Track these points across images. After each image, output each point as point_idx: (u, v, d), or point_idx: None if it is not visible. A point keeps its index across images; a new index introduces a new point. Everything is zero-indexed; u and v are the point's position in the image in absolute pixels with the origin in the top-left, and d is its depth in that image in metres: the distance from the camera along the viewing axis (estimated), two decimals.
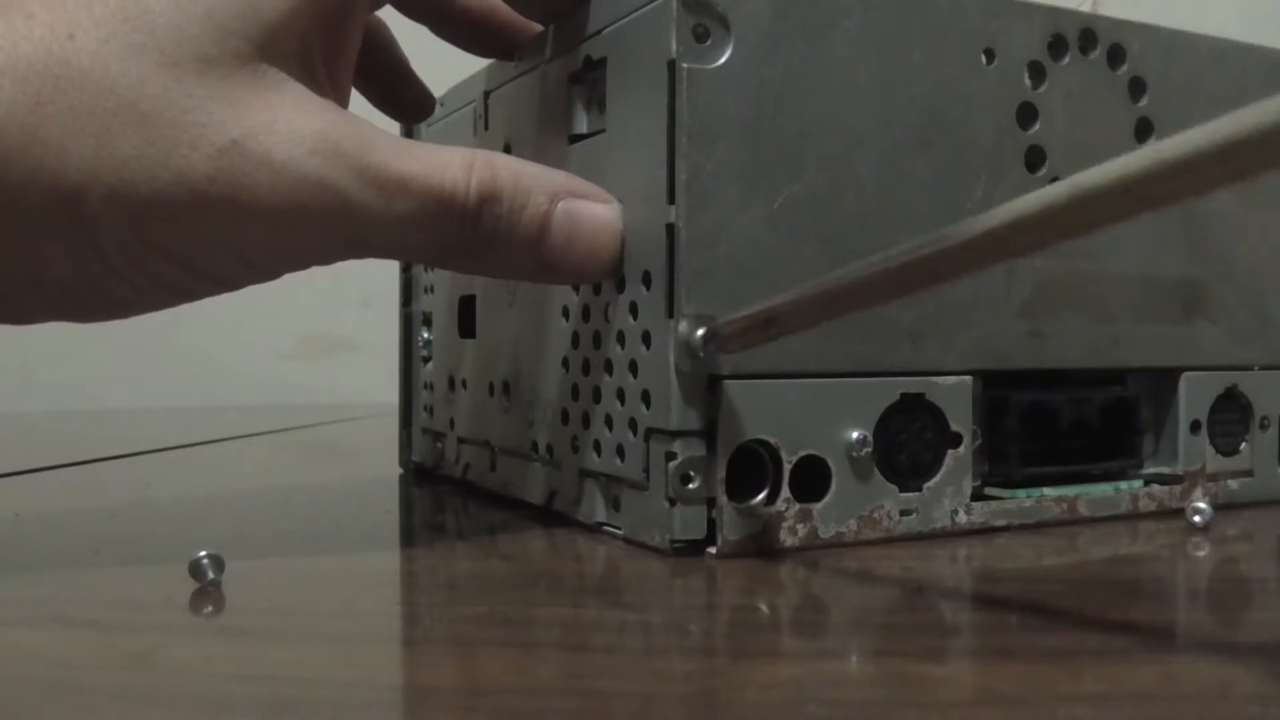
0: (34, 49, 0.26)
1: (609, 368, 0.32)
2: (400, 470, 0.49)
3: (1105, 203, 0.19)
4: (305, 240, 0.29)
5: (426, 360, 0.47)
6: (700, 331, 0.29)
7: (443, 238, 0.30)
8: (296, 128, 0.27)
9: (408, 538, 0.36)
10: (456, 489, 0.43)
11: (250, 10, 0.27)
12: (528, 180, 0.30)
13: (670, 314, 0.29)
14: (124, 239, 0.27)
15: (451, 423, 0.44)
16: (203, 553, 0.27)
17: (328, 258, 0.29)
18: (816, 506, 0.31)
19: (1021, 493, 0.34)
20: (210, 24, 0.27)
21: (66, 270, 0.27)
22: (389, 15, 0.36)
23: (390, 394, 0.50)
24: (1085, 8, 0.36)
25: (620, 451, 0.31)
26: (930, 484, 0.32)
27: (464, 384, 0.42)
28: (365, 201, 0.28)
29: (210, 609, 0.25)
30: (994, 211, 0.20)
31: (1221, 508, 0.36)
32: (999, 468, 0.34)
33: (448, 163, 0.29)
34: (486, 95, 0.40)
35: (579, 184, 0.31)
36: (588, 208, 0.31)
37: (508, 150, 0.38)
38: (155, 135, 0.26)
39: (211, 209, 0.27)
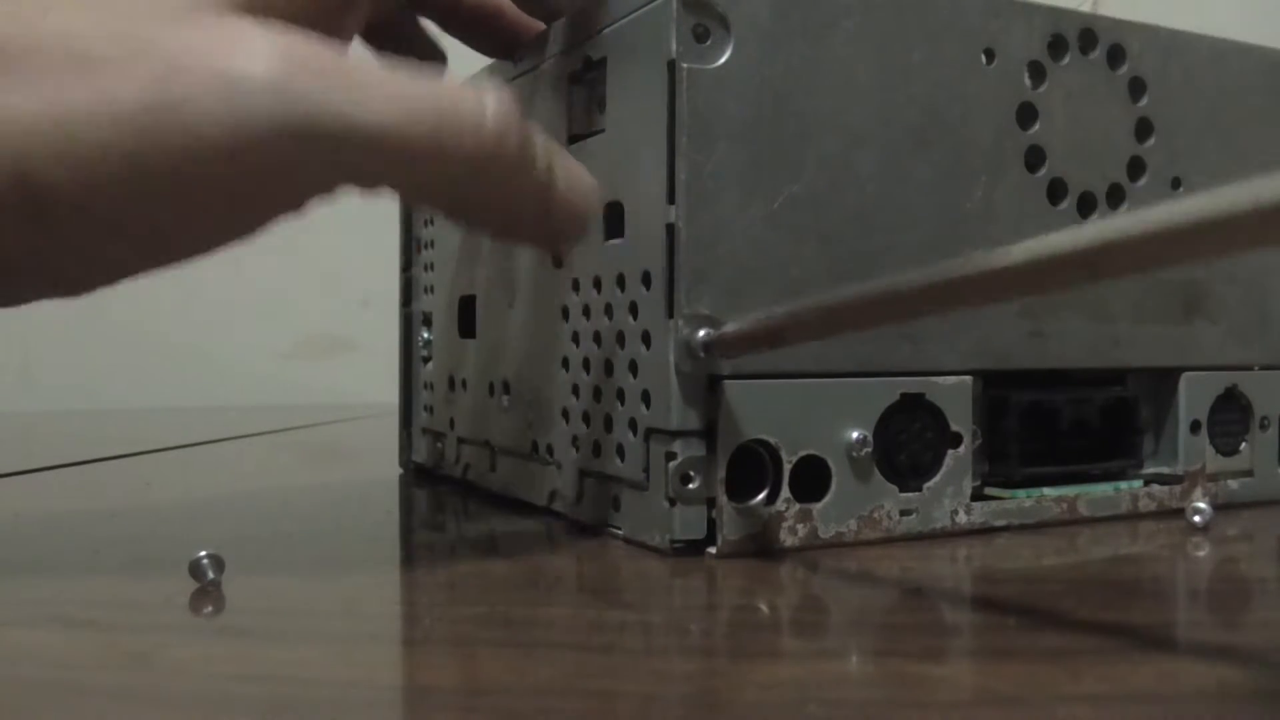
0: (11, 19, 0.25)
1: (609, 368, 0.32)
2: (400, 470, 0.49)
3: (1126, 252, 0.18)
4: (265, 179, 0.25)
5: (427, 360, 0.47)
6: (701, 334, 0.29)
7: (444, 160, 0.26)
8: (256, 41, 0.24)
9: (408, 538, 0.36)
10: (457, 489, 0.43)
11: None
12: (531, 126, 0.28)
13: (670, 314, 0.29)
14: (71, 200, 0.25)
15: (452, 423, 0.44)
16: (203, 553, 0.27)
17: (295, 198, 0.26)
18: (816, 506, 0.31)
19: (1021, 493, 0.34)
20: None
21: (22, 244, 0.26)
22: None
23: (390, 394, 0.50)
24: (1085, 7, 0.36)
25: (620, 451, 0.31)
26: (930, 484, 0.32)
27: (464, 384, 0.42)
28: (339, 108, 0.24)
29: (210, 609, 0.25)
30: (1019, 247, 0.20)
31: (1221, 508, 0.36)
32: (999, 468, 0.34)
33: (459, 88, 0.27)
34: None
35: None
36: (574, 160, 0.29)
37: None
38: (95, 77, 0.24)
39: (152, 151, 0.24)
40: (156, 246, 0.27)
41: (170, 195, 0.25)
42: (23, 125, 0.24)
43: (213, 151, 0.24)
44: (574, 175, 0.29)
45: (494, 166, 0.27)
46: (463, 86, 0.27)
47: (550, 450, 0.36)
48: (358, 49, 0.33)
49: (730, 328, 0.28)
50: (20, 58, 0.24)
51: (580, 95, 0.34)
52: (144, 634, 0.23)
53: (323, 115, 0.24)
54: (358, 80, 0.25)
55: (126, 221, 0.25)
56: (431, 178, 0.27)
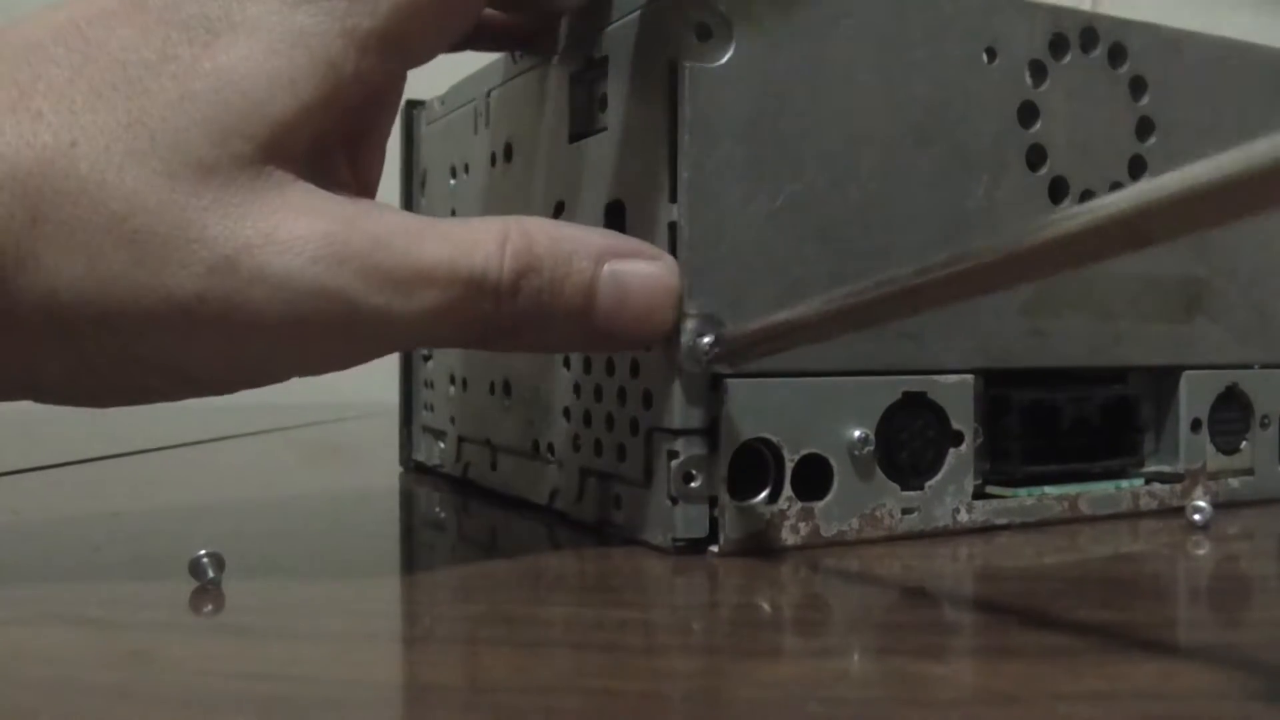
0: (36, 158, 0.24)
1: (610, 367, 0.32)
2: (401, 469, 0.49)
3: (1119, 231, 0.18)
4: (311, 351, 0.27)
5: (427, 359, 0.47)
6: (706, 339, 0.29)
7: (476, 322, 0.27)
8: (298, 234, 0.25)
9: (408, 536, 0.36)
10: (457, 488, 0.43)
11: (255, 111, 0.25)
12: (568, 245, 0.28)
13: None
14: (115, 356, 0.26)
15: (452, 421, 0.44)
16: (202, 551, 0.27)
17: (343, 364, 0.28)
18: (818, 505, 0.31)
19: (1023, 491, 0.34)
20: (212, 127, 0.25)
21: (60, 378, 0.26)
22: None
23: (390, 393, 0.50)
24: (1086, 6, 0.36)
25: (621, 450, 0.31)
26: (932, 482, 0.32)
27: (464, 383, 0.42)
28: (378, 304, 0.26)
29: (210, 607, 0.25)
30: (1039, 228, 0.20)
31: (1222, 506, 0.36)
32: (1000, 466, 0.34)
33: (477, 239, 0.27)
34: (488, 93, 0.40)
35: (625, 242, 0.29)
36: (636, 267, 0.28)
37: (509, 150, 0.38)
38: (145, 254, 0.25)
39: (202, 328, 0.25)
40: (192, 387, 0.28)
41: (209, 356, 0.26)
42: (64, 282, 0.25)
43: (257, 332, 0.26)
44: (632, 290, 0.28)
45: (513, 315, 0.27)
46: (483, 233, 0.27)
47: (551, 449, 0.36)
48: None
49: (736, 331, 0.28)
50: (70, 222, 0.25)
51: (581, 94, 0.34)
52: (144, 632, 0.23)
53: (361, 309, 0.26)
54: (392, 267, 0.26)
55: (164, 367, 0.26)
56: (465, 340, 0.28)
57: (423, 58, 0.28)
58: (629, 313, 0.28)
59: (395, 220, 0.27)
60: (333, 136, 0.28)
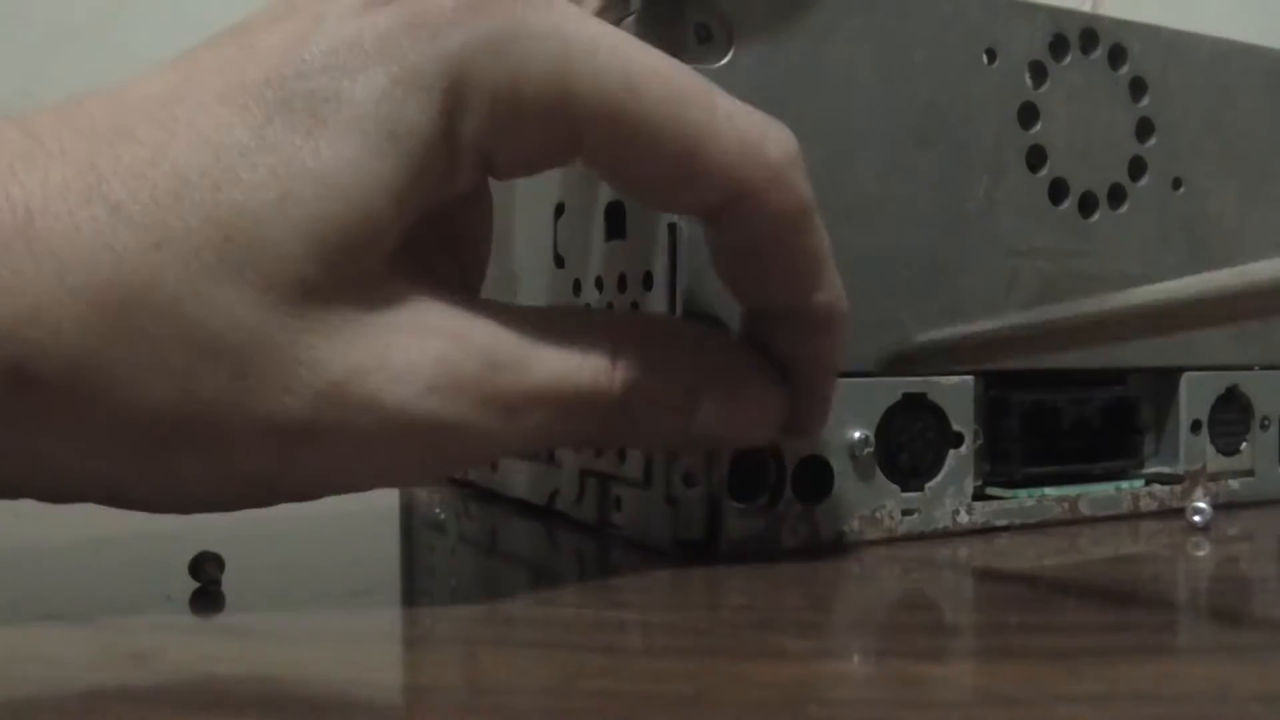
0: (116, 264, 0.21)
1: None
2: None
3: None
4: (409, 472, 0.25)
5: None
6: None
7: (581, 433, 0.27)
8: (410, 360, 0.23)
9: (408, 537, 0.36)
10: (457, 489, 0.43)
11: (361, 222, 0.23)
12: (680, 362, 0.27)
13: (672, 314, 0.29)
14: (206, 471, 0.23)
15: None
16: (203, 552, 0.27)
17: (435, 478, 0.27)
18: (819, 506, 0.31)
19: (1023, 492, 0.34)
20: (315, 241, 0.22)
21: (146, 490, 0.24)
22: None
23: None
24: (1086, 7, 0.36)
25: (621, 452, 0.31)
26: (932, 484, 0.32)
27: None
28: (486, 427, 0.24)
29: (210, 608, 0.25)
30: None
31: (1222, 507, 0.36)
32: (1000, 468, 0.34)
33: (585, 356, 0.25)
34: None
35: (737, 360, 0.28)
36: (742, 390, 0.27)
37: None
38: (243, 375, 0.22)
39: (304, 451, 0.23)
40: (282, 497, 0.25)
41: (306, 474, 0.24)
42: (151, 401, 0.22)
43: (361, 456, 0.24)
44: (737, 412, 0.27)
45: (611, 429, 0.26)
46: (595, 347, 0.26)
47: (551, 451, 0.36)
48: None
49: (913, 342, 0.28)
50: (156, 338, 0.22)
51: None
52: (144, 633, 0.23)
53: (470, 433, 0.24)
54: (506, 392, 0.24)
55: (258, 481, 0.24)
56: (554, 445, 0.28)
57: (513, 174, 0.26)
58: (722, 434, 0.28)
59: (506, 331, 0.25)
60: (432, 233, 0.26)
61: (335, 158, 0.23)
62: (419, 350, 0.24)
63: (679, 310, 0.29)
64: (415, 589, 0.29)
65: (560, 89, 0.23)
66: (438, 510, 0.39)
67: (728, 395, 0.27)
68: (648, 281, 0.30)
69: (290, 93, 0.23)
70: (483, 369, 0.24)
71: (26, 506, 0.36)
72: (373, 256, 0.23)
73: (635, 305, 0.31)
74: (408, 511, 0.40)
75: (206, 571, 0.27)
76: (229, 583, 0.27)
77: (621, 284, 0.31)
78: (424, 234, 0.25)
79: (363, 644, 0.23)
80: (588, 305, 0.33)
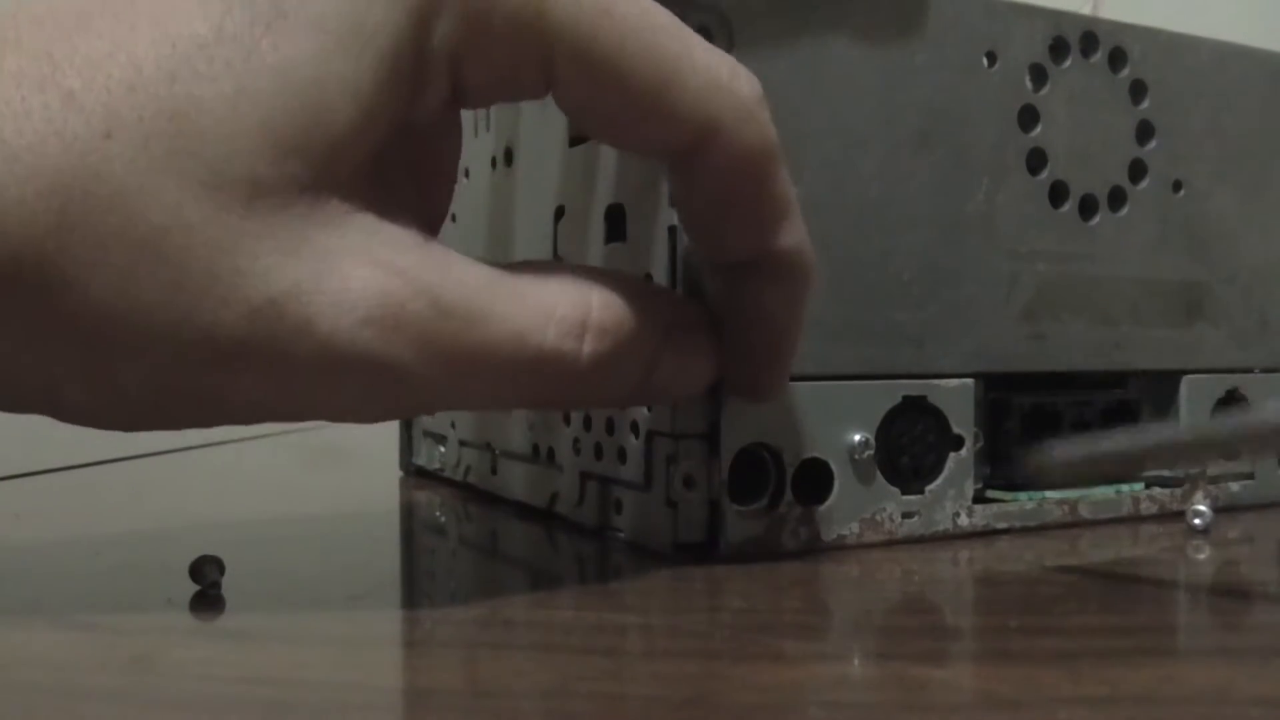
0: (64, 151, 0.21)
1: None
2: (400, 473, 0.49)
3: None
4: (347, 407, 0.24)
5: None
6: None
7: (531, 392, 0.25)
8: (351, 287, 0.22)
9: (408, 540, 0.36)
10: (457, 492, 0.43)
11: (317, 124, 0.22)
12: (642, 317, 0.26)
13: None
14: (144, 384, 0.23)
15: (453, 425, 0.44)
16: (203, 555, 0.27)
17: (378, 419, 0.25)
18: (819, 509, 0.31)
19: (1023, 495, 0.34)
20: (269, 139, 0.22)
21: (84, 401, 0.23)
22: None
23: None
24: (1086, 10, 0.36)
25: (621, 455, 0.31)
26: (932, 486, 0.32)
27: None
28: (427, 376, 0.23)
29: (210, 611, 0.25)
30: None
31: (1222, 510, 0.36)
32: (1000, 470, 0.34)
33: (553, 310, 0.24)
34: None
35: (688, 312, 0.28)
36: (695, 344, 0.27)
37: (509, 155, 0.38)
38: (183, 280, 0.21)
39: (240, 369, 0.22)
40: (224, 418, 0.24)
41: (244, 394, 0.23)
42: (93, 302, 0.22)
43: (296, 382, 0.23)
44: (685, 367, 0.27)
45: (569, 392, 0.26)
46: (562, 300, 0.25)
47: (551, 453, 0.36)
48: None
49: (1056, 453, 0.28)
50: (100, 231, 0.21)
51: None
52: (144, 636, 0.23)
53: (409, 381, 0.23)
54: (452, 343, 0.23)
55: (196, 397, 0.24)
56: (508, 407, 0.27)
57: (483, 100, 0.26)
58: (676, 389, 0.27)
59: (462, 279, 0.24)
60: (398, 157, 0.25)
61: (295, 53, 0.22)
62: (362, 279, 0.22)
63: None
64: (415, 592, 0.29)
65: (534, 5, 0.23)
66: (438, 513, 0.39)
67: (684, 351, 0.27)
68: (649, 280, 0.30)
69: None
70: (430, 313, 0.23)
71: (27, 510, 0.36)
72: (329, 165, 0.22)
73: None
74: (408, 514, 0.40)
75: (207, 574, 0.27)
76: (229, 585, 0.27)
77: None
78: (388, 158, 0.24)
79: (363, 647, 0.23)
80: (554, 258, 0.32)
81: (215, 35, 0.22)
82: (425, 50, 0.23)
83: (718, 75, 0.24)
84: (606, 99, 0.24)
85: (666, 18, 0.24)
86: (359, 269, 0.23)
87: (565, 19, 0.23)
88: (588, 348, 0.25)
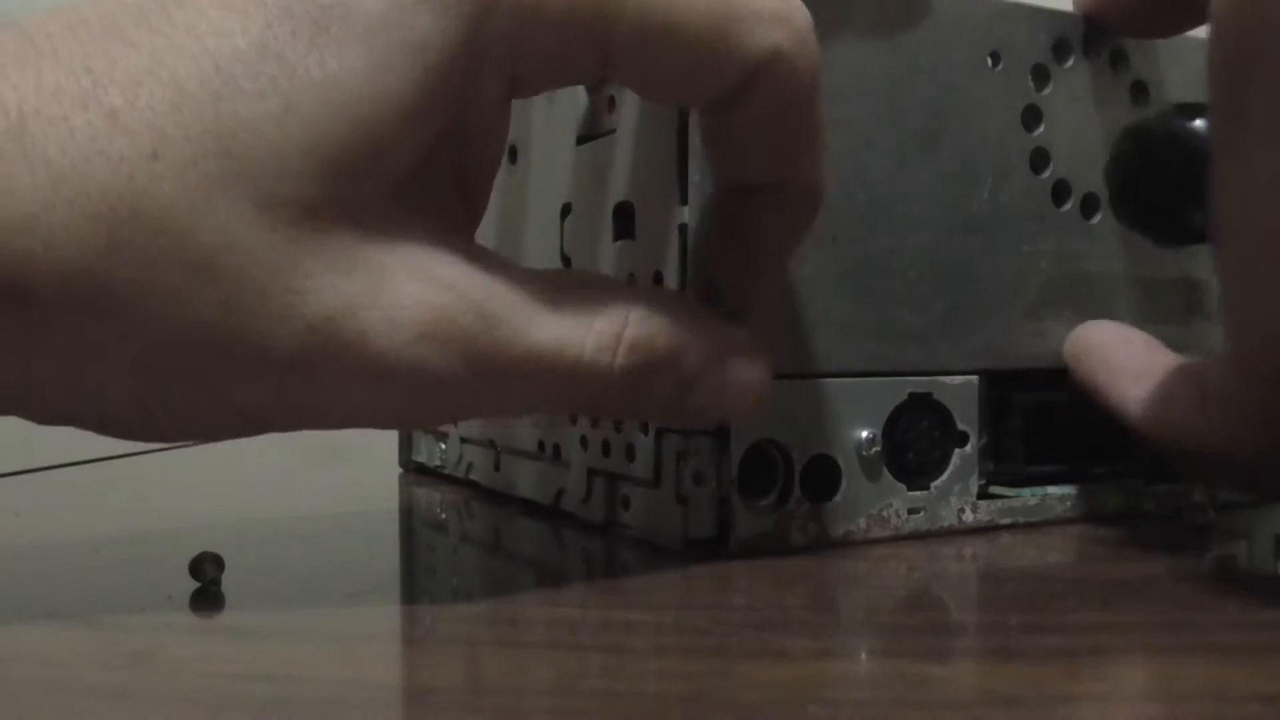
0: (111, 172, 0.21)
1: None
2: (401, 470, 0.49)
3: None
4: (392, 414, 0.25)
5: None
6: None
7: (568, 403, 0.26)
8: (404, 303, 0.22)
9: (408, 537, 0.36)
10: (459, 489, 0.43)
11: (367, 142, 0.22)
12: (684, 339, 0.26)
13: None
14: (194, 399, 0.23)
15: (454, 422, 0.44)
16: (203, 551, 0.27)
17: (422, 427, 0.26)
18: (827, 505, 0.31)
19: (1026, 491, 0.34)
20: (318, 158, 0.22)
21: (132, 416, 0.23)
22: None
23: None
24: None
25: (630, 451, 0.31)
26: (938, 483, 0.32)
27: None
28: (473, 385, 0.23)
29: (210, 608, 0.25)
30: None
31: (1223, 507, 0.36)
32: (1004, 466, 0.34)
33: (589, 328, 0.25)
34: None
35: (731, 337, 0.27)
36: (738, 370, 0.27)
37: (514, 152, 0.38)
38: (236, 300, 0.21)
39: (292, 384, 0.23)
40: (267, 428, 0.25)
41: (293, 406, 0.24)
42: (144, 324, 0.22)
43: (347, 394, 0.23)
44: (730, 391, 0.27)
45: (604, 404, 0.26)
46: (600, 317, 0.25)
47: (557, 450, 0.36)
48: None
49: None
50: (151, 253, 0.21)
51: (589, 95, 0.34)
52: (144, 633, 0.23)
53: (458, 390, 0.23)
54: (500, 354, 0.23)
55: (244, 412, 0.24)
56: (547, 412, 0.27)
57: (537, 90, 0.26)
58: (715, 412, 0.27)
59: (508, 289, 0.24)
60: (443, 166, 0.25)
61: (342, 69, 0.22)
62: (415, 294, 0.23)
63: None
64: (416, 589, 0.29)
65: None
66: (439, 510, 0.39)
67: (722, 379, 0.27)
68: (657, 281, 0.30)
69: None
70: (478, 325, 0.23)
71: (28, 507, 0.36)
72: (378, 180, 0.22)
73: None
74: (408, 511, 0.40)
75: (207, 571, 0.27)
76: (229, 582, 0.27)
77: (631, 284, 0.31)
78: (433, 163, 0.24)
79: (363, 644, 0.23)
80: (593, 271, 0.32)
81: (258, 52, 0.22)
82: (477, 54, 0.23)
83: (772, 4, 0.24)
84: (668, 59, 0.24)
85: None
86: (410, 284, 0.23)
87: None
88: (620, 361, 0.25)
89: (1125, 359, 0.31)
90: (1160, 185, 0.30)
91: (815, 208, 0.27)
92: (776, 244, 0.28)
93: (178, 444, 0.24)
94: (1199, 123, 0.29)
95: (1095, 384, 0.32)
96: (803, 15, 0.25)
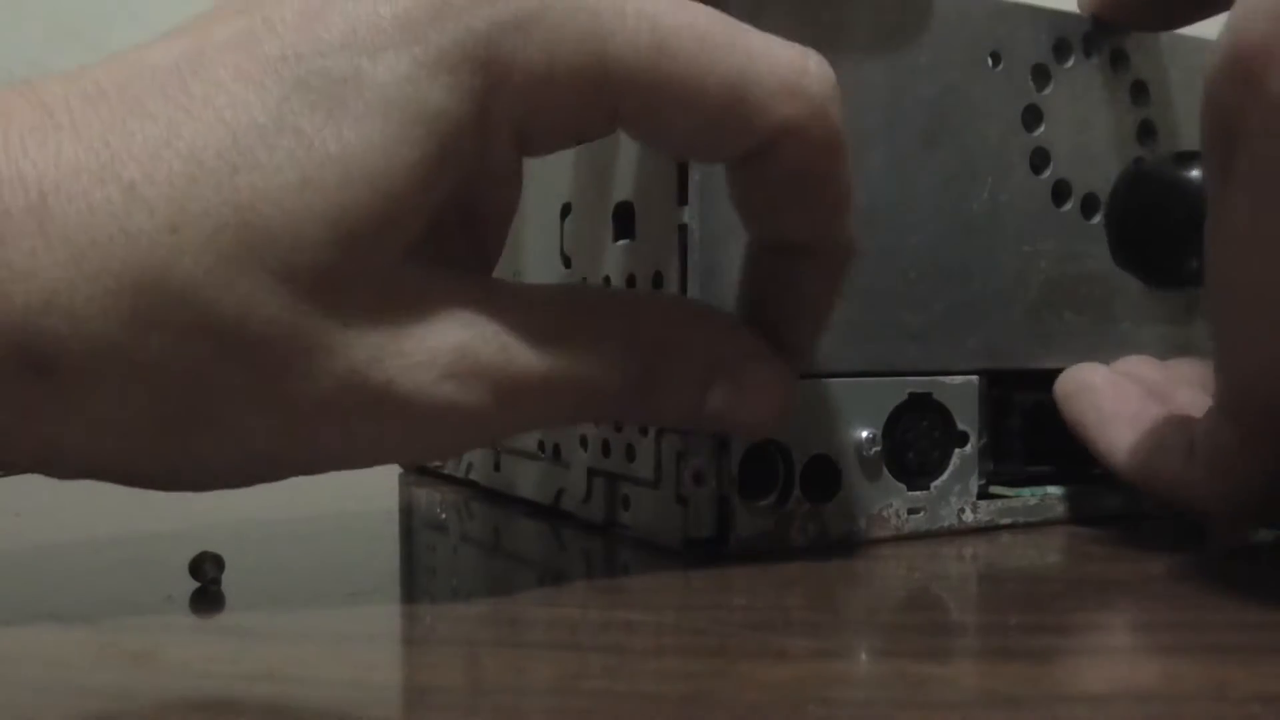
0: (130, 247, 0.21)
1: None
2: (401, 470, 0.49)
3: None
4: (418, 452, 0.27)
5: None
6: None
7: (583, 419, 0.29)
8: (428, 346, 0.23)
9: (408, 537, 0.36)
10: (459, 489, 0.43)
11: (385, 210, 0.22)
12: (694, 345, 0.27)
13: None
14: (223, 453, 0.23)
15: None
16: (203, 551, 0.27)
17: (450, 456, 0.27)
18: (827, 505, 0.31)
19: (1026, 491, 0.34)
20: (337, 228, 0.22)
21: (159, 469, 0.24)
22: None
23: None
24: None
25: (630, 451, 0.31)
26: (938, 483, 0.32)
27: None
28: (498, 413, 0.24)
29: (210, 608, 0.25)
30: None
31: None
32: (1004, 466, 0.34)
33: (601, 345, 0.25)
34: None
35: (745, 340, 0.28)
36: (753, 378, 0.27)
37: None
38: (263, 366, 0.22)
39: (322, 436, 0.23)
40: (298, 472, 0.25)
41: (322, 456, 0.25)
42: (170, 389, 0.22)
43: (377, 439, 0.24)
44: (747, 392, 0.27)
45: (622, 413, 0.28)
46: (609, 339, 0.26)
47: (557, 450, 0.36)
48: None
49: None
50: (174, 327, 0.22)
51: None
52: (144, 633, 0.23)
53: (484, 421, 0.24)
54: (521, 382, 0.24)
55: (274, 461, 0.24)
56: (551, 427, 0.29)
57: (549, 149, 0.26)
58: (732, 421, 0.27)
59: (524, 318, 0.24)
60: (457, 218, 0.25)
61: (359, 142, 0.22)
62: (437, 337, 0.23)
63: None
64: (416, 589, 0.29)
65: (594, 60, 0.23)
66: (439, 510, 0.39)
67: (739, 383, 0.27)
68: (658, 281, 0.30)
69: (308, 71, 0.22)
70: (499, 356, 0.24)
71: (28, 507, 0.36)
72: (394, 244, 0.23)
73: None
74: (408, 511, 0.40)
75: (206, 571, 0.27)
76: (229, 583, 0.27)
77: (630, 284, 0.31)
78: (447, 216, 0.24)
79: (363, 644, 0.23)
80: (604, 283, 0.32)
81: (276, 125, 0.22)
82: (489, 123, 0.24)
83: (786, 78, 0.24)
84: (674, 127, 0.25)
85: (725, 30, 0.24)
86: (432, 329, 0.23)
87: (625, 63, 0.23)
88: (633, 371, 0.26)
89: (1116, 405, 0.32)
90: (1157, 231, 0.30)
91: (848, 264, 0.28)
92: (812, 300, 0.28)
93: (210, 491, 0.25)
94: (1195, 172, 0.29)
95: (1084, 427, 0.32)
96: (819, 84, 0.25)
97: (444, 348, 0.23)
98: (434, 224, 0.24)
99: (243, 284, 0.22)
